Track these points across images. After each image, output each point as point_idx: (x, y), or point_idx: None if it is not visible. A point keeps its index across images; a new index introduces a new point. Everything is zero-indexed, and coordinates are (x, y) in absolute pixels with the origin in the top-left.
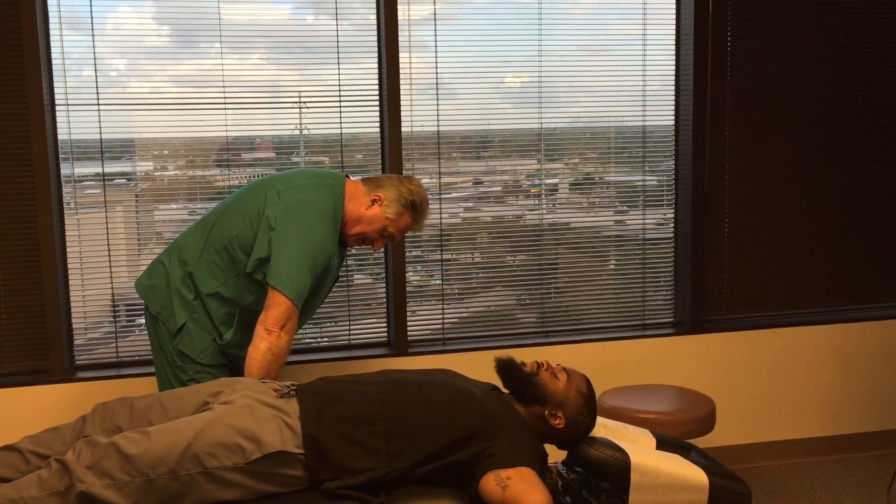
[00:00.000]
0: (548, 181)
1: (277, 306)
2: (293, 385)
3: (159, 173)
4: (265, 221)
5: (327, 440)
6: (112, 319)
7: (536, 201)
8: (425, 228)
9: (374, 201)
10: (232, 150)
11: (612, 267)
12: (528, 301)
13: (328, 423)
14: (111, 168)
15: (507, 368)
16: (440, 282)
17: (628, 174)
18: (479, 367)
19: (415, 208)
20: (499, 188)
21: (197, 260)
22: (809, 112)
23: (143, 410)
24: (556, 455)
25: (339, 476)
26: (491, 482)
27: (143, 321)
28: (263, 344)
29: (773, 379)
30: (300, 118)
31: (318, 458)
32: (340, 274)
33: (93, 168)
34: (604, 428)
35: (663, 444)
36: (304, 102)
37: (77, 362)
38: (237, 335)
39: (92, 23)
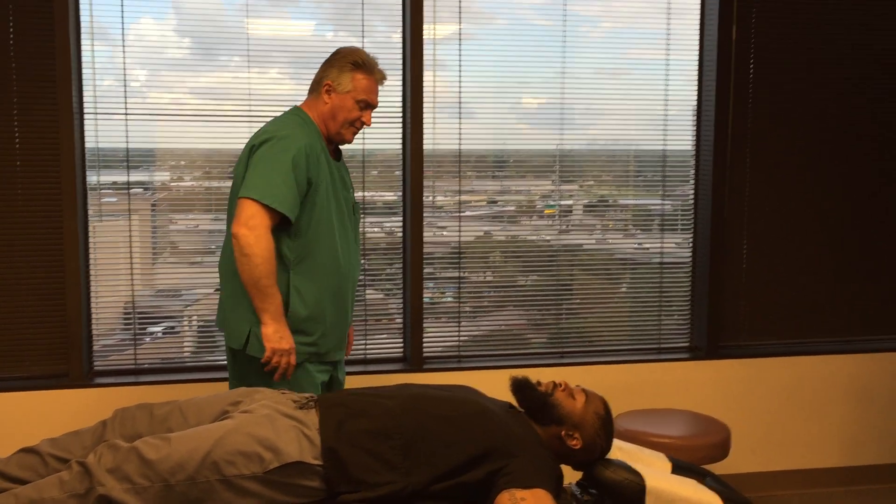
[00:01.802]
0: (564, 202)
1: (239, 210)
2: (312, 396)
3: (175, 184)
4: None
5: (347, 452)
6: (130, 326)
7: (550, 222)
8: (445, 244)
9: (326, 92)
10: None
11: (628, 290)
12: (543, 321)
13: (348, 436)
14: (131, 177)
15: (521, 387)
16: (456, 299)
17: (644, 198)
18: (494, 385)
19: (359, 65)
20: (513, 208)
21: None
22: (832, 141)
23: (163, 417)
24: (570, 476)
25: (357, 489)
26: (506, 502)
27: (155, 329)
28: (236, 252)
29: (788, 407)
30: None
31: (337, 470)
32: (359, 288)
33: (111, 176)
34: (619, 450)
35: (679, 468)
36: None
37: (95, 368)
38: (305, 299)
39: (123, 34)
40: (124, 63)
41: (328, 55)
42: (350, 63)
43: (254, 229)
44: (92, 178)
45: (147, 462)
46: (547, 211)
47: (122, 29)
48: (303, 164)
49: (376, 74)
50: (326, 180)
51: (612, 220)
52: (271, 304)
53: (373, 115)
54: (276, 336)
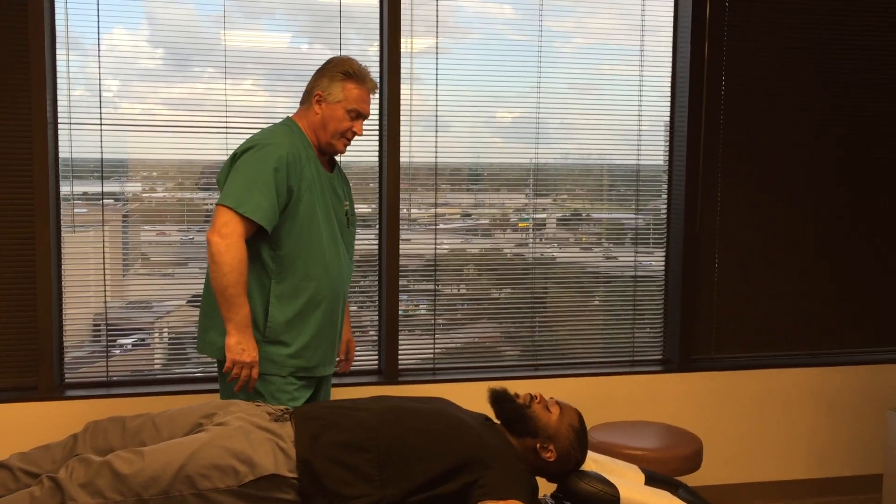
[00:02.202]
0: (538, 216)
1: (214, 217)
2: (288, 409)
3: (147, 195)
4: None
5: (321, 465)
6: (102, 338)
7: (524, 235)
8: (419, 256)
9: (317, 102)
10: None
11: (602, 303)
12: (518, 334)
13: (323, 448)
14: (104, 187)
15: (500, 399)
16: (431, 312)
17: (618, 212)
18: (469, 397)
19: (350, 74)
20: (487, 221)
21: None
22: (803, 158)
23: (136, 430)
24: (545, 487)
25: (333, 502)
26: None
27: (126, 341)
28: (208, 258)
29: (759, 419)
30: None
31: (312, 483)
32: None
33: (82, 187)
34: (594, 462)
35: (652, 480)
36: None
37: (66, 380)
38: (285, 308)
39: (98, 43)
40: (99, 73)
41: (304, 67)
42: (341, 72)
43: (226, 237)
44: (65, 188)
45: (120, 476)
46: (521, 224)
47: (98, 38)
48: (283, 173)
49: (368, 84)
50: (313, 190)
51: (586, 234)
52: (237, 314)
53: None
54: (238, 347)
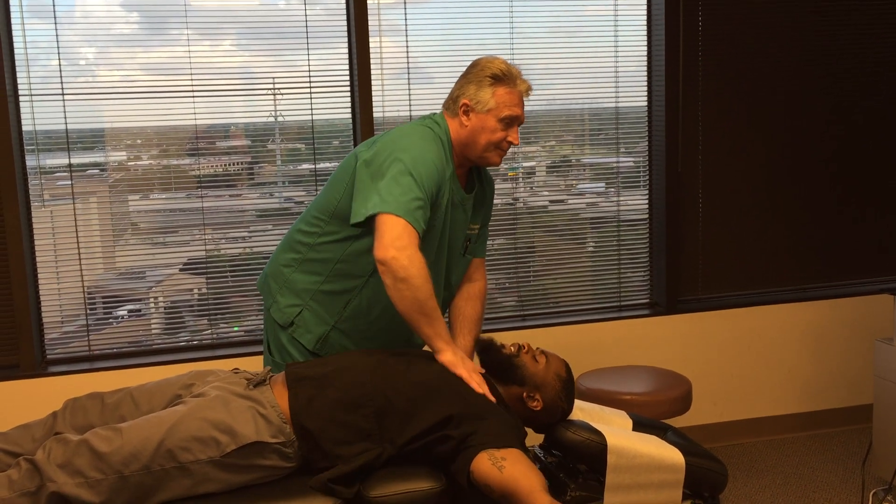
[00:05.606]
0: (525, 164)
1: (378, 229)
2: (268, 372)
3: (133, 163)
4: (359, 166)
5: (318, 427)
6: (87, 313)
7: (513, 185)
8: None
9: (464, 112)
10: (205, 139)
11: (589, 249)
12: (506, 285)
13: (319, 410)
14: (83, 159)
15: (487, 349)
16: None
17: (605, 156)
18: None
19: (499, 78)
20: None
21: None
22: (780, 92)
23: (115, 405)
24: (533, 440)
25: (334, 463)
26: (486, 462)
27: (120, 313)
28: (387, 279)
29: (748, 357)
30: (275, 105)
31: (311, 445)
32: None
33: (65, 159)
34: (580, 411)
35: (640, 425)
36: (278, 89)
37: (49, 356)
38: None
39: (54, 11)
40: (57, 42)
41: (283, 24)
42: (489, 76)
43: (404, 249)
44: (39, 161)
45: (99, 455)
46: (510, 174)
47: (54, 6)
48: (428, 182)
49: (519, 85)
50: (438, 215)
51: (572, 180)
52: (440, 326)
53: (323, 83)
54: (456, 359)
